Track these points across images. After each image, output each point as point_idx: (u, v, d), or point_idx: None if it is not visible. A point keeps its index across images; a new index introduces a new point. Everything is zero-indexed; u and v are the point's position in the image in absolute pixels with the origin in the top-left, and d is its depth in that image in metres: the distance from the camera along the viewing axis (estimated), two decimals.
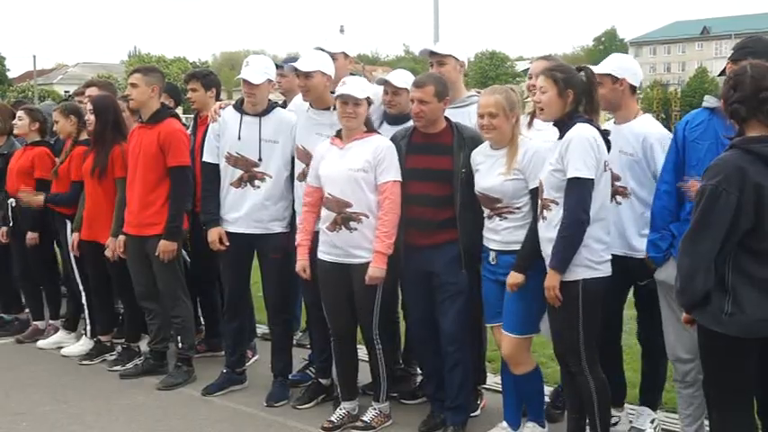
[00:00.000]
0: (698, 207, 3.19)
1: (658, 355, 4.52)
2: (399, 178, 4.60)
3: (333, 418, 4.89)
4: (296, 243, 4.86)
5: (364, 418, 4.82)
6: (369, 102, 4.71)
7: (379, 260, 4.56)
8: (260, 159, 5.13)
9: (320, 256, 4.77)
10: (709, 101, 4.11)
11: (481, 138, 4.45)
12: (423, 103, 4.52)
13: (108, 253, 5.93)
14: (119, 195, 5.88)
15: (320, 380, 5.26)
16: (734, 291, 3.18)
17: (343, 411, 4.92)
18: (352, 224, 4.60)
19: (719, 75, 4.30)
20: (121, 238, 5.82)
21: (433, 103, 4.51)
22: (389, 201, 4.56)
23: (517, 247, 4.29)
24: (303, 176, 4.97)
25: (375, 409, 4.85)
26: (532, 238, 4.18)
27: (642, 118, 4.43)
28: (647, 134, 4.27)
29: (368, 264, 4.60)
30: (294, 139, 5.10)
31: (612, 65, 4.46)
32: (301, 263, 4.82)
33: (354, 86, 4.60)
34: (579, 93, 4.04)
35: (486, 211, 4.43)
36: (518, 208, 4.31)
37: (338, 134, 4.74)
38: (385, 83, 5.07)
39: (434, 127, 4.60)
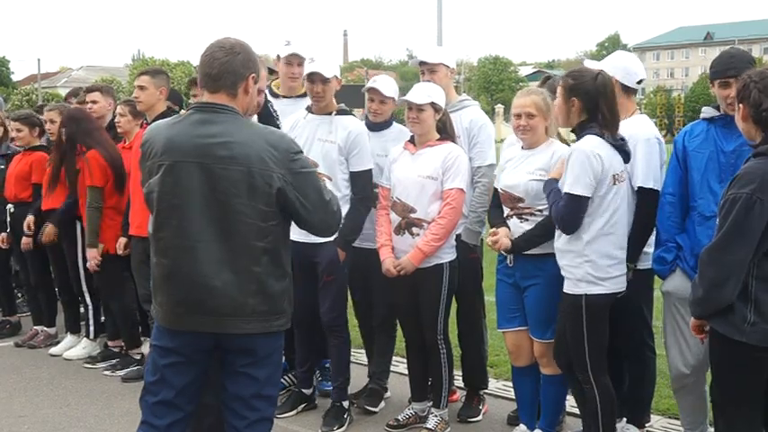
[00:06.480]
0: (729, 216, 3.13)
1: (643, 367, 4.47)
2: (465, 187, 4.60)
3: (399, 417, 4.91)
4: (377, 245, 4.77)
5: (428, 425, 4.77)
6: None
7: (416, 256, 4.57)
8: None
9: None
10: (708, 112, 4.10)
11: None
12: None
13: (92, 264, 6.01)
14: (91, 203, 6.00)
15: (302, 390, 5.22)
16: (757, 300, 3.14)
17: (412, 412, 4.93)
18: (415, 230, 4.61)
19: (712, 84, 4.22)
20: (123, 240, 5.94)
21: None
22: (450, 207, 4.54)
23: (535, 250, 4.28)
24: None
25: (437, 416, 4.80)
26: (538, 230, 4.23)
27: (635, 118, 4.35)
28: (633, 134, 4.18)
29: (430, 268, 4.62)
30: None
31: (607, 61, 4.43)
32: (388, 261, 4.67)
33: (414, 92, 4.61)
34: (586, 101, 3.94)
35: (506, 211, 4.42)
36: (539, 210, 4.26)
37: (412, 139, 4.74)
38: (370, 90, 5.01)
39: None
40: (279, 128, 5.02)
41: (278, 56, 5.47)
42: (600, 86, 3.95)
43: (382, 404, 5.23)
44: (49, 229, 6.43)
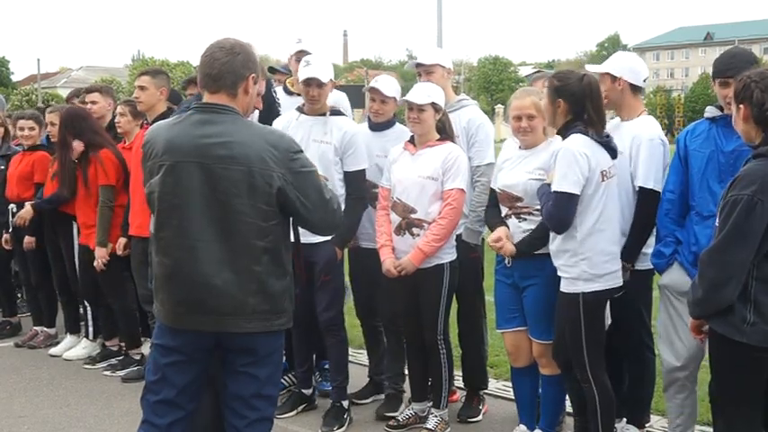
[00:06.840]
0: (730, 218, 3.12)
1: (642, 367, 4.47)
2: (465, 187, 4.61)
3: (399, 418, 4.91)
4: (378, 246, 4.78)
5: (428, 426, 4.77)
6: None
7: (416, 256, 4.57)
8: None
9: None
10: (710, 111, 4.10)
11: None
12: None
13: (100, 263, 6.00)
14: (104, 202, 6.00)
15: (302, 390, 5.22)
16: (756, 300, 3.14)
17: (412, 412, 4.92)
18: (415, 230, 4.61)
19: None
20: (122, 240, 5.92)
21: None
22: (450, 207, 4.55)
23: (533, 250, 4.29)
24: None
25: (437, 416, 4.80)
26: (539, 231, 4.21)
27: (641, 118, 4.35)
28: (638, 134, 4.21)
29: (431, 269, 4.62)
30: None
31: (611, 63, 4.42)
32: (389, 262, 4.67)
33: (414, 92, 4.62)
34: (572, 102, 3.95)
35: (505, 210, 4.41)
36: (538, 210, 4.23)
37: (412, 139, 4.74)
38: (371, 90, 5.02)
39: None
40: (279, 114, 5.07)
41: (290, 54, 5.50)
42: (586, 88, 3.95)
43: (403, 406, 5.15)
44: (24, 212, 6.45)
